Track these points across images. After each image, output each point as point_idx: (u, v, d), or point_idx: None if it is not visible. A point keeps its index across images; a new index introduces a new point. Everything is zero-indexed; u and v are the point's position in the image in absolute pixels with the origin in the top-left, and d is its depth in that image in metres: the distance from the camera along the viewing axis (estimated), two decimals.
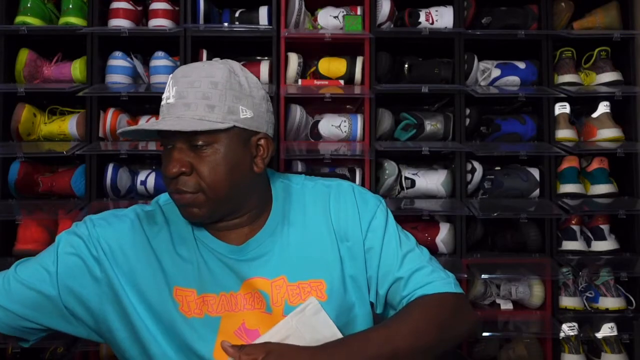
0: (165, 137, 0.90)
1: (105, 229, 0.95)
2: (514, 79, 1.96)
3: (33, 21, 1.85)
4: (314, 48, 1.96)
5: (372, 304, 0.99)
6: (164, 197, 1.03)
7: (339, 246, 0.97)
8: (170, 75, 0.92)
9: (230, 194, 0.91)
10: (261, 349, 0.79)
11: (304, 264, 0.95)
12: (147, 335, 0.91)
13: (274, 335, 0.86)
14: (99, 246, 0.93)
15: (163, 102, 0.91)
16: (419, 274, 0.95)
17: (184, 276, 0.93)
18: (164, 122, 0.89)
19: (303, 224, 0.98)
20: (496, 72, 1.97)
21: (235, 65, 0.94)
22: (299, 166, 1.90)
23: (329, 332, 0.89)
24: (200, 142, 0.88)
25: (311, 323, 0.89)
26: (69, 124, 1.88)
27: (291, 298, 0.93)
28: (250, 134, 0.93)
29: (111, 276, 0.92)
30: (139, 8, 1.91)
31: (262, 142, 0.94)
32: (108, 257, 0.93)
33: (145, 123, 0.89)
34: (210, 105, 0.87)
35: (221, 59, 2.02)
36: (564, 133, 1.95)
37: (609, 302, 1.89)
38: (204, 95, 0.87)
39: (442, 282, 0.96)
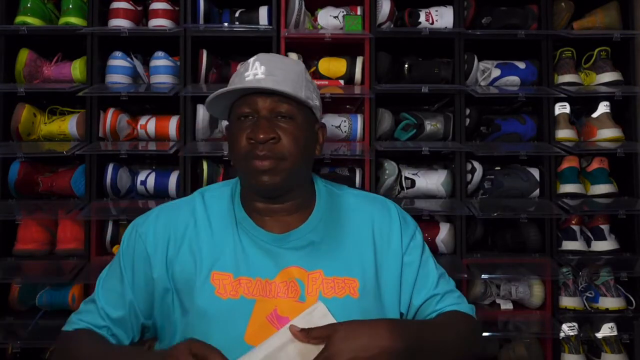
0: (251, 106, 0.98)
1: (148, 227, 1.02)
2: (514, 79, 1.96)
3: (33, 21, 1.85)
4: (314, 48, 1.96)
5: (401, 314, 1.06)
6: (208, 191, 1.08)
7: (377, 254, 1.04)
8: (254, 58, 1.01)
9: (301, 167, 1.00)
10: (328, 329, 0.85)
11: (341, 261, 1.01)
12: (175, 323, 0.97)
13: (282, 335, 0.88)
14: (147, 244, 1.01)
15: (249, 78, 0.98)
16: (452, 295, 1.07)
17: (221, 261, 0.98)
18: (262, 85, 0.96)
19: (345, 226, 1.05)
20: (496, 72, 1.97)
21: None
22: None
23: None
24: (284, 113, 0.97)
25: (318, 325, 0.90)
26: (69, 124, 1.88)
27: (325, 290, 0.98)
28: (314, 120, 1.05)
29: (160, 269, 0.99)
30: (139, 8, 1.92)
31: (320, 130, 1.07)
32: (155, 250, 1.00)
33: (237, 86, 0.99)
34: (295, 86, 0.98)
35: (221, 59, 2.04)
36: (564, 133, 1.95)
37: (609, 302, 1.89)
38: (290, 77, 0.99)
39: (468, 306, 1.08)
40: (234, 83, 1.01)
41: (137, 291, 1.00)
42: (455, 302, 1.06)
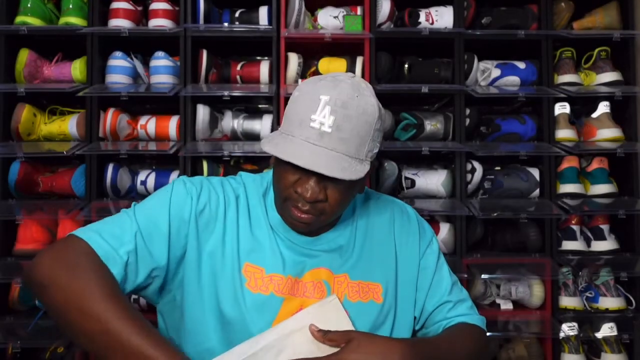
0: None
1: (199, 188, 0.98)
2: (514, 79, 1.96)
3: (33, 21, 1.85)
4: (314, 48, 1.96)
5: (414, 318, 1.07)
6: (249, 182, 1.05)
7: (397, 258, 1.05)
8: (325, 97, 0.88)
9: (340, 215, 1.01)
10: (344, 336, 0.87)
11: (366, 266, 1.02)
12: (195, 305, 0.95)
13: (294, 322, 0.90)
14: (196, 205, 0.96)
15: (314, 124, 0.87)
16: (464, 304, 1.09)
17: (256, 254, 0.97)
18: (319, 159, 0.87)
19: (369, 230, 1.06)
20: (496, 72, 1.97)
21: (375, 99, 0.93)
22: None
23: (346, 328, 0.91)
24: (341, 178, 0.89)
25: (329, 318, 0.92)
26: (69, 124, 1.89)
27: (350, 294, 0.99)
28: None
29: (194, 236, 0.95)
30: (139, 8, 1.92)
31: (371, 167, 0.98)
32: (198, 217, 0.96)
33: (306, 156, 0.87)
34: (361, 143, 0.89)
35: (221, 58, 2.03)
36: (564, 133, 1.95)
37: (609, 302, 1.89)
38: (358, 132, 0.89)
39: (479, 318, 1.09)
40: (297, 117, 0.89)
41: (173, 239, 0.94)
42: (466, 312, 1.07)
